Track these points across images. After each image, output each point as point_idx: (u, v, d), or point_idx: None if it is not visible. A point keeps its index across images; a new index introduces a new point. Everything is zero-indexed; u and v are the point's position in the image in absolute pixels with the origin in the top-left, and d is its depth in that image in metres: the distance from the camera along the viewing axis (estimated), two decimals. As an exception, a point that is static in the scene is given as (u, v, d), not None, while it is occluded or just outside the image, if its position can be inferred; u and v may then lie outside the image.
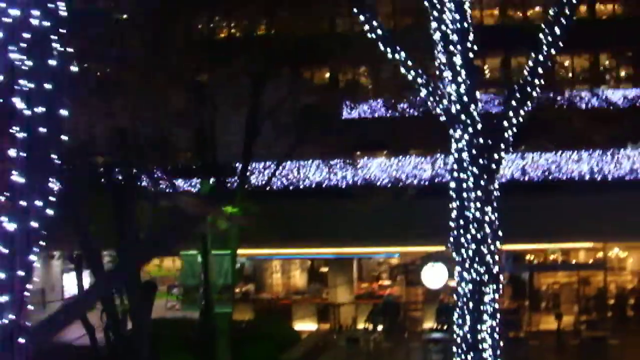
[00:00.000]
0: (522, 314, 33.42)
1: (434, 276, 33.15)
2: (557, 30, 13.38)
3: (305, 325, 34.56)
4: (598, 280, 35.86)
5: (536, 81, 13.61)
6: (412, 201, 31.07)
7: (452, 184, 14.24)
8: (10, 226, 6.38)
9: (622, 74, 39.58)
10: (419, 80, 13.92)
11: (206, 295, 24.41)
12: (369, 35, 14.02)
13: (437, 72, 14.20)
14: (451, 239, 14.35)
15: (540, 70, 13.51)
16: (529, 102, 13.74)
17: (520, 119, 13.67)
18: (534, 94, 13.74)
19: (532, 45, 13.62)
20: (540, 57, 13.53)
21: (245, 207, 25.77)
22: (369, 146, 36.95)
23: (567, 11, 13.40)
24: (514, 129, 13.68)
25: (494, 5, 38.46)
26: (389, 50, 13.91)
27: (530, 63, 13.69)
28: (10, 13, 6.00)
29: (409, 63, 13.91)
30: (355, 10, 13.95)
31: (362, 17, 13.94)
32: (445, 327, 31.98)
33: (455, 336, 14.48)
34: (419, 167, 36.13)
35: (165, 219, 23.02)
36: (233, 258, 26.23)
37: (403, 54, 13.91)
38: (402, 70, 13.96)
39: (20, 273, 6.46)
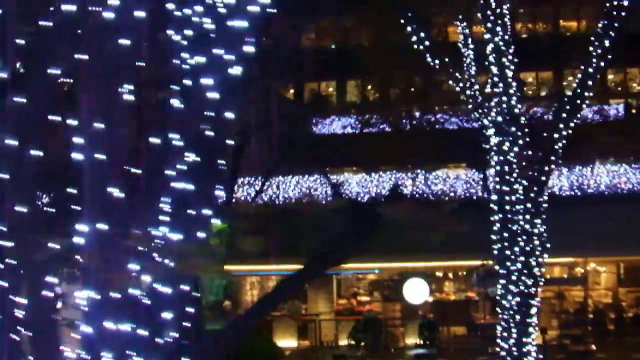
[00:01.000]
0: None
1: (415, 291, 33.21)
2: (607, 43, 13.39)
3: (285, 342, 34.08)
4: (574, 294, 36.02)
5: (585, 93, 13.59)
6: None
7: (495, 197, 14.13)
8: (175, 237, 5.98)
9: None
10: (467, 92, 13.80)
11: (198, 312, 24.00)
12: (415, 46, 13.85)
13: (472, 85, 14.11)
14: (495, 252, 14.22)
15: (589, 82, 13.49)
16: (577, 114, 13.71)
17: (570, 131, 13.63)
18: (583, 106, 13.73)
19: (581, 58, 13.61)
20: (590, 70, 13.52)
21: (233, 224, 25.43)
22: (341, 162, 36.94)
23: (616, 24, 13.44)
24: (564, 141, 13.64)
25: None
26: (437, 62, 13.76)
27: (580, 75, 13.67)
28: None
29: (457, 75, 13.79)
30: (403, 21, 13.78)
31: (409, 29, 13.77)
32: (428, 343, 31.87)
33: (499, 350, 14.35)
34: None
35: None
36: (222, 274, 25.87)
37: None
38: (451, 82, 13.83)
39: (185, 288, 6.08)
